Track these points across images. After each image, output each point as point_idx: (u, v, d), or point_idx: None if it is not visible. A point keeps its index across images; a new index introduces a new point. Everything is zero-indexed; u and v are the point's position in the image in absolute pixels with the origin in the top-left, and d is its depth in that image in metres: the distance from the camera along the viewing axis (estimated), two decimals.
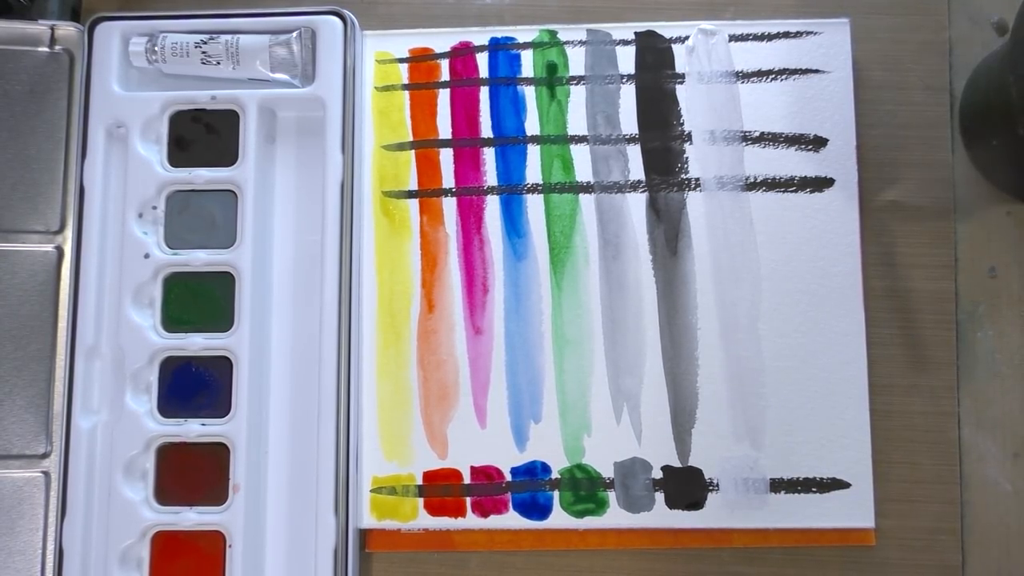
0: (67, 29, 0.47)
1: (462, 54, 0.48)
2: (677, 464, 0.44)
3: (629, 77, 0.47)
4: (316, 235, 0.46)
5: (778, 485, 0.44)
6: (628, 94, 0.47)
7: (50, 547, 0.44)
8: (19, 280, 0.46)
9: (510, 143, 0.47)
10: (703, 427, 0.45)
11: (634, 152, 0.47)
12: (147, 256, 0.45)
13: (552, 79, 0.48)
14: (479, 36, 0.48)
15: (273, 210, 0.47)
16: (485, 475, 0.45)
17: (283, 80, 0.47)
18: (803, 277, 0.45)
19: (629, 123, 0.47)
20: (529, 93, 0.48)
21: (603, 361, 0.45)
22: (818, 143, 0.46)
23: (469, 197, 0.47)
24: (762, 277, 0.45)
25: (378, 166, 0.47)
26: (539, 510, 0.44)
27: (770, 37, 0.47)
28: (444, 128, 0.48)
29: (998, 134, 0.44)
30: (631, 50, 0.48)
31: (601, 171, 0.47)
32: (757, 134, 0.47)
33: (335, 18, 0.47)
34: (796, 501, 0.44)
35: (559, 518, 0.44)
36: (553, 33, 0.48)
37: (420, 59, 0.48)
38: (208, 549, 0.43)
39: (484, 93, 0.48)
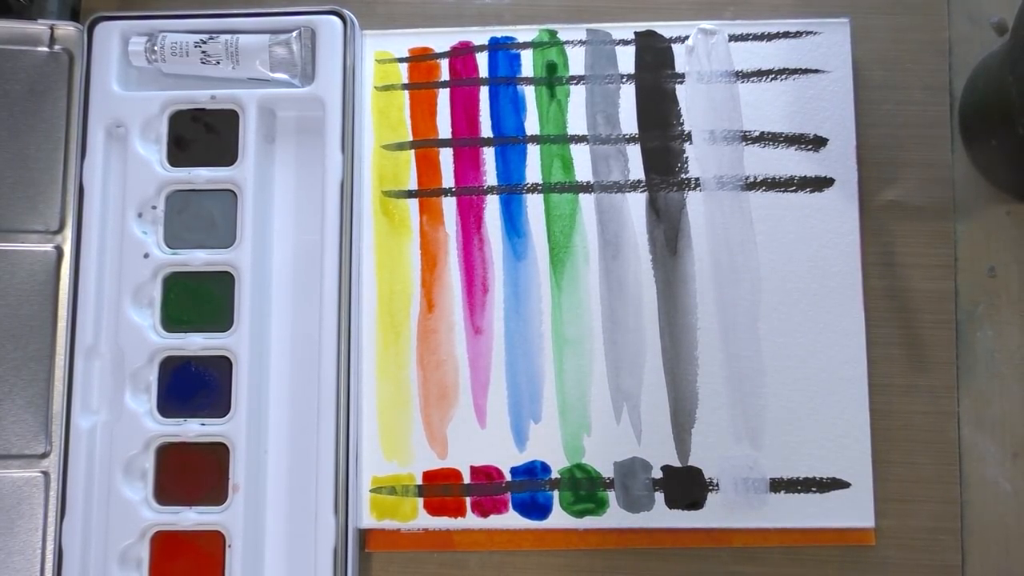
0: (67, 29, 0.47)
1: (462, 54, 0.48)
2: (677, 464, 0.44)
3: (629, 77, 0.47)
4: (316, 235, 0.46)
5: (778, 485, 0.44)
6: (628, 94, 0.47)
7: (49, 547, 0.43)
8: (18, 280, 0.46)
9: (510, 143, 0.47)
10: (703, 427, 0.45)
11: (634, 152, 0.47)
12: (147, 256, 0.45)
13: (552, 79, 0.48)
14: (479, 36, 0.48)
15: (273, 210, 0.47)
16: (485, 475, 0.45)
17: (283, 80, 0.47)
18: (803, 277, 0.45)
19: (629, 123, 0.47)
20: (529, 93, 0.48)
21: (603, 361, 0.45)
22: (818, 143, 0.46)
23: (469, 197, 0.47)
24: (762, 277, 0.45)
25: (378, 166, 0.47)
26: (539, 510, 0.44)
27: (770, 37, 0.47)
28: (444, 128, 0.48)
29: (998, 134, 0.44)
30: (631, 50, 0.48)
31: (601, 171, 0.47)
32: (757, 134, 0.47)
33: (335, 18, 0.47)
34: (796, 501, 0.44)
35: (559, 518, 0.44)
36: (553, 33, 0.48)
37: (420, 59, 0.48)
38: (208, 549, 0.43)
39: (484, 93, 0.48)
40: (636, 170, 0.47)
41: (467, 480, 0.45)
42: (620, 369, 0.45)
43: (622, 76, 0.47)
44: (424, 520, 0.44)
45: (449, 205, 0.47)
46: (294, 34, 0.46)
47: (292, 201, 0.47)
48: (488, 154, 0.47)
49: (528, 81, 0.48)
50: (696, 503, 0.44)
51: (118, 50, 0.47)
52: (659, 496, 0.44)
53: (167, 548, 0.43)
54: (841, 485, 0.44)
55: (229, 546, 0.43)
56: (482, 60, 0.48)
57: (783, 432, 0.44)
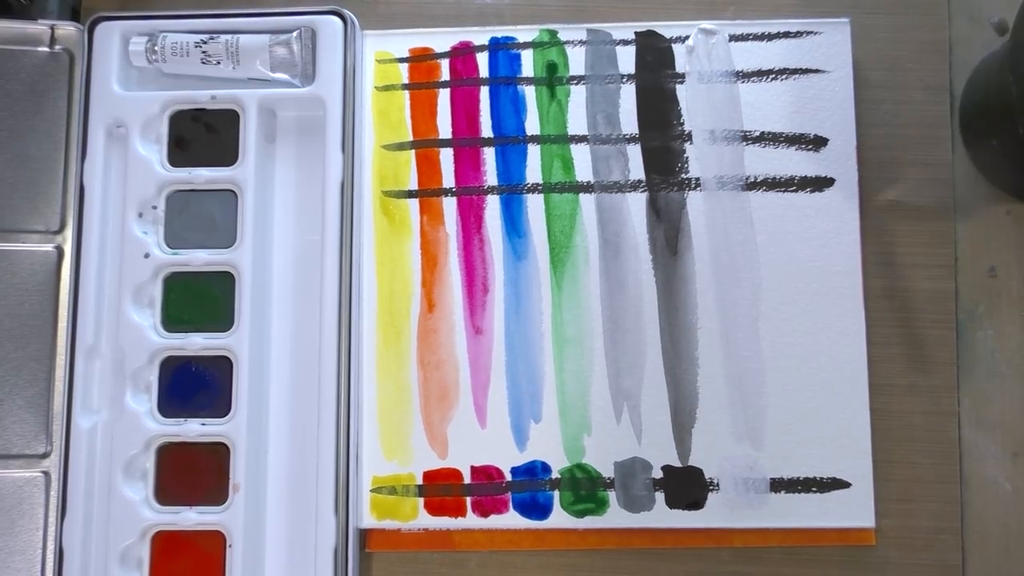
0: (67, 29, 0.47)
1: (462, 54, 0.48)
2: (677, 464, 0.44)
3: (629, 77, 0.47)
4: (316, 235, 0.46)
5: (778, 485, 0.44)
6: (628, 94, 0.47)
7: (50, 547, 0.43)
8: (19, 280, 0.46)
9: (510, 143, 0.47)
10: (703, 427, 0.45)
11: (634, 152, 0.47)
12: (147, 256, 0.45)
13: (552, 79, 0.48)
14: (479, 36, 0.48)
15: (273, 210, 0.47)
16: (485, 475, 0.45)
17: (283, 80, 0.47)
18: (803, 277, 0.45)
19: (629, 123, 0.47)
20: (529, 93, 0.48)
21: (603, 361, 0.45)
22: (818, 143, 0.46)
23: (469, 197, 0.47)
24: (762, 277, 0.45)
25: (378, 166, 0.47)
26: (539, 510, 0.44)
27: (770, 37, 0.47)
28: (444, 128, 0.48)
29: (998, 134, 0.44)
30: (631, 50, 0.48)
31: (601, 171, 0.47)
32: (757, 134, 0.47)
33: (335, 18, 0.47)
34: (796, 501, 0.44)
35: (559, 518, 0.44)
36: (553, 33, 0.48)
37: (420, 59, 0.48)
38: (208, 549, 0.43)
39: (484, 93, 0.48)
40: (636, 170, 0.47)
41: (467, 480, 0.45)
42: (620, 369, 0.45)
43: (622, 76, 0.47)
44: (424, 520, 0.44)
45: (449, 205, 0.47)
46: (294, 34, 0.46)
47: (292, 201, 0.47)
48: (488, 154, 0.47)
49: (528, 81, 0.48)
50: (696, 503, 0.44)
51: (118, 50, 0.47)
52: (659, 496, 0.44)
53: (167, 548, 0.43)
54: (841, 485, 0.44)
55: (229, 546, 0.43)
56: (482, 60, 0.48)
57: (783, 432, 0.44)
